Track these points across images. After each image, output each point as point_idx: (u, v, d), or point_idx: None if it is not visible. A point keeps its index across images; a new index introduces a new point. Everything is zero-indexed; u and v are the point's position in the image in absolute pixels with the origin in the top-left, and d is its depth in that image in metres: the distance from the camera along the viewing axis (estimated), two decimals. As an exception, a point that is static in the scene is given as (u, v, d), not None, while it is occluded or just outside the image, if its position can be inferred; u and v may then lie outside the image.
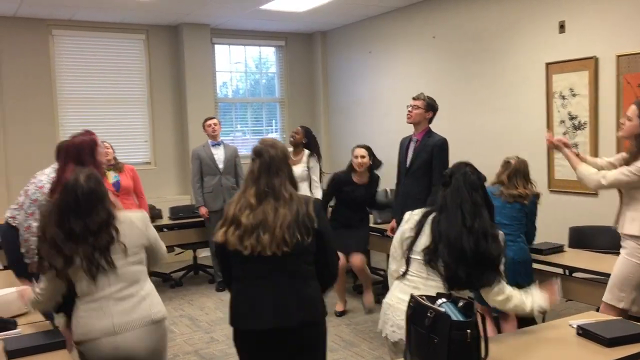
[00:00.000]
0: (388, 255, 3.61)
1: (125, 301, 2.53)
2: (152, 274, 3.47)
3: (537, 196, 3.99)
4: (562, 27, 5.32)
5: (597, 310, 3.34)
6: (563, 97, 5.35)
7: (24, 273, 3.52)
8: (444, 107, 6.35)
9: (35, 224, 3.53)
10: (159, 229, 5.67)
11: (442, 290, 2.36)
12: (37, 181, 3.60)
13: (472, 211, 2.44)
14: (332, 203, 5.34)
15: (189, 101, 7.65)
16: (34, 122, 6.94)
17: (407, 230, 2.59)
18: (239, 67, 8.52)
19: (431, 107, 4.57)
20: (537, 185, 4.08)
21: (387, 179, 5.59)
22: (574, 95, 5.26)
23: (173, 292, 6.18)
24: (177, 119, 7.84)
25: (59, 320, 3.63)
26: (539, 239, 4.34)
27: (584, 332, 2.47)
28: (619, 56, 4.86)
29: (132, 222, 2.63)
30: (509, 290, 2.47)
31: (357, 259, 5.09)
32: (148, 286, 2.65)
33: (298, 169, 5.49)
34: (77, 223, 2.49)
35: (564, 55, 5.30)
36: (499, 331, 3.95)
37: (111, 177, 5.28)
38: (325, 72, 8.68)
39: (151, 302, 2.61)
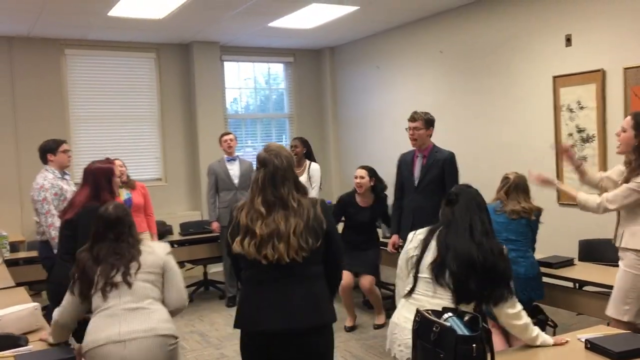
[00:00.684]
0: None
1: (134, 312, 2.64)
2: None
3: (539, 211, 3.96)
4: (568, 40, 5.34)
5: (608, 324, 3.33)
6: (571, 110, 5.35)
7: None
8: (451, 121, 6.41)
9: (55, 220, 4.24)
10: (170, 245, 5.70)
11: (448, 308, 2.37)
12: (34, 184, 4.49)
13: (481, 229, 2.48)
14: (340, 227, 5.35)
15: (199, 118, 7.73)
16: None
17: (411, 249, 2.61)
18: (249, 83, 8.60)
19: (430, 122, 4.57)
20: (543, 199, 4.06)
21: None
22: (581, 108, 5.26)
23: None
24: (187, 136, 7.92)
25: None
26: (549, 252, 4.33)
27: (592, 346, 2.46)
28: (626, 69, 4.87)
29: (154, 249, 2.87)
30: (520, 307, 2.48)
31: (366, 281, 5.10)
32: (159, 306, 2.74)
33: (303, 179, 5.56)
34: (104, 249, 2.76)
35: (571, 69, 5.30)
36: (509, 345, 3.92)
37: (123, 194, 5.33)
38: (334, 87, 8.75)
39: (159, 318, 2.68)
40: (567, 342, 2.57)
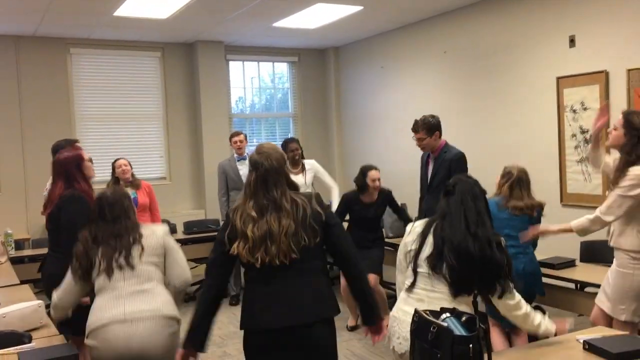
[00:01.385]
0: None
1: (138, 294, 2.72)
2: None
3: (542, 207, 3.94)
4: (572, 41, 5.33)
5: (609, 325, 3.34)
6: (574, 111, 5.35)
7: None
8: (455, 122, 6.40)
9: None
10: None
11: (446, 302, 2.38)
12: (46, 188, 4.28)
13: (476, 219, 2.46)
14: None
15: (203, 117, 7.76)
16: (53, 140, 7.04)
17: (409, 242, 2.62)
18: (254, 82, 8.63)
19: (433, 127, 4.53)
20: (546, 200, 4.04)
21: (399, 195, 5.59)
22: (585, 109, 5.26)
23: (186, 306, 6.17)
24: (192, 135, 7.95)
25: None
26: (551, 253, 4.33)
27: (590, 347, 2.47)
28: (629, 70, 4.87)
29: (153, 231, 2.94)
30: (519, 297, 2.49)
31: (370, 279, 5.10)
32: (162, 289, 2.83)
33: (300, 179, 5.68)
34: (102, 229, 2.83)
35: (575, 70, 5.31)
36: (511, 345, 3.93)
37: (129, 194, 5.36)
38: (338, 87, 8.76)
39: (163, 300, 2.77)
40: (567, 329, 2.59)
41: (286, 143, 5.96)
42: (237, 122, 8.41)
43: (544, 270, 4.03)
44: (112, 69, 7.49)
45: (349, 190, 5.38)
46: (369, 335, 2.62)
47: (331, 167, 8.43)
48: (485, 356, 2.08)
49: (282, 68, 8.82)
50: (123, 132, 7.54)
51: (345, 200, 5.29)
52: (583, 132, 5.28)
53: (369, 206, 5.21)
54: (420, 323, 2.13)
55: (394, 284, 6.13)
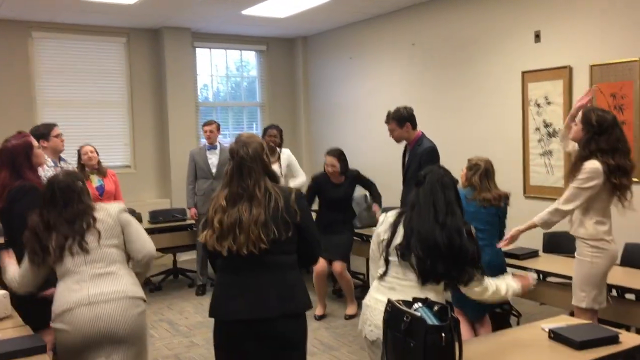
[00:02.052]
0: (368, 260, 3.68)
1: (102, 277, 2.68)
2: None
3: (507, 197, 4.00)
4: (537, 36, 5.44)
5: (571, 314, 3.45)
6: (538, 105, 5.47)
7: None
8: (423, 113, 6.42)
9: None
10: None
11: (417, 290, 2.42)
12: None
13: (445, 209, 2.48)
14: (315, 207, 5.40)
15: (169, 105, 7.65)
16: (13, 125, 6.77)
17: (382, 232, 2.65)
18: (220, 70, 8.54)
19: (404, 119, 4.58)
20: (507, 189, 4.09)
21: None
22: (548, 103, 5.38)
23: (152, 296, 6.17)
24: (157, 123, 7.83)
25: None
26: (515, 243, 4.41)
27: (555, 335, 2.55)
28: (592, 66, 4.99)
29: (107, 211, 2.82)
30: (487, 281, 2.56)
31: (338, 266, 5.18)
32: (126, 271, 2.78)
33: (276, 168, 5.62)
34: (53, 214, 2.71)
35: (540, 64, 5.42)
36: (475, 334, 4.02)
37: (95, 181, 5.27)
38: (306, 76, 8.75)
39: (127, 281, 2.73)
40: (531, 283, 2.74)
41: (266, 129, 5.97)
42: (204, 111, 8.32)
43: (508, 260, 4.13)
44: (75, 53, 7.31)
45: (318, 172, 5.42)
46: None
47: (299, 157, 8.41)
48: (457, 345, 2.13)
49: (249, 56, 8.75)
50: (87, 119, 7.37)
51: (316, 181, 5.32)
52: (546, 125, 5.40)
53: (338, 186, 5.26)
54: (394, 312, 2.17)
55: (360, 274, 6.26)
